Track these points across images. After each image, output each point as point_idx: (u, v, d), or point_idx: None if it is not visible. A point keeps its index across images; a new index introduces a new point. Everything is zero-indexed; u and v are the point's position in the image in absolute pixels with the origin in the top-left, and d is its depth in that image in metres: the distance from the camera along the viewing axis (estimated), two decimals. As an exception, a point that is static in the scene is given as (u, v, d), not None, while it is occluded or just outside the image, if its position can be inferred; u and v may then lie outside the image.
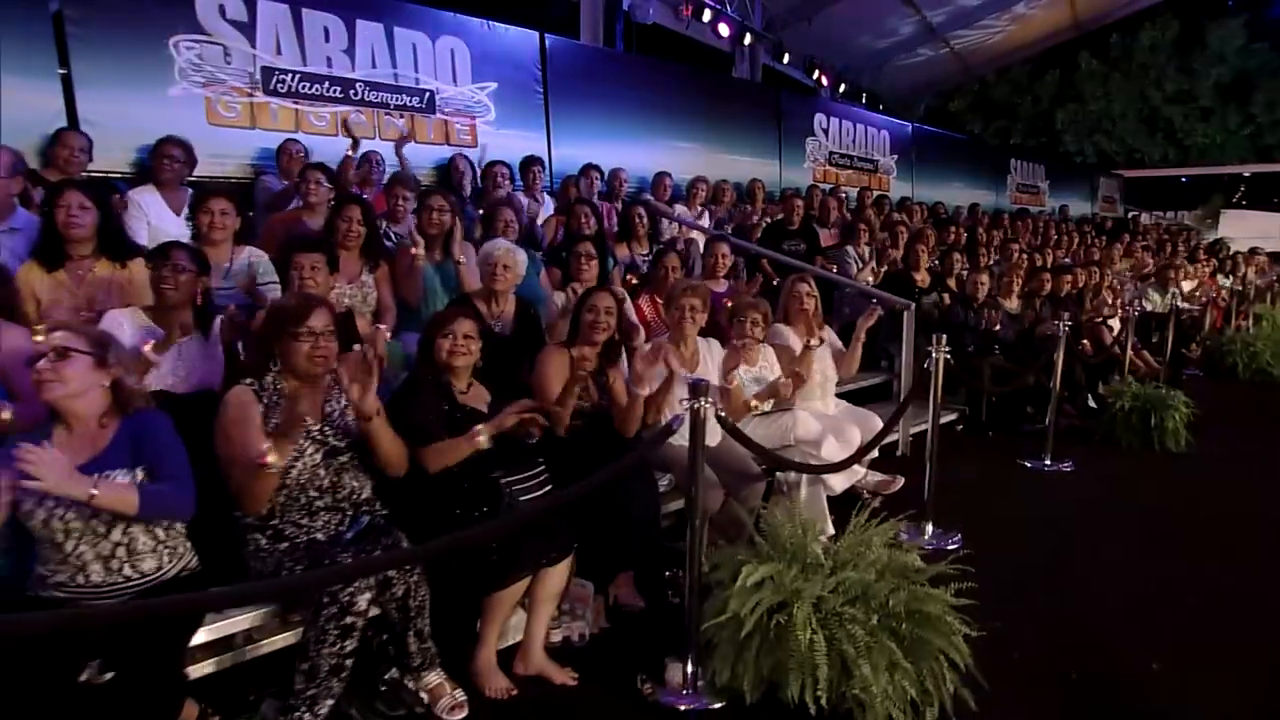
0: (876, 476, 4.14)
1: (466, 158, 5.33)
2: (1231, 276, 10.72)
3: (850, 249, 6.66)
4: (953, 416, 5.66)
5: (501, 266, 3.34)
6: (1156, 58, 24.41)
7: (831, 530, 3.48)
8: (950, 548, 3.64)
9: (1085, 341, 6.68)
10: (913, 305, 4.89)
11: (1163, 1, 19.41)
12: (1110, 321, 7.01)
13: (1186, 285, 8.90)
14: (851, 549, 2.41)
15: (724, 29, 10.48)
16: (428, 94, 5.66)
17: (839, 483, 3.61)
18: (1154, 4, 16.71)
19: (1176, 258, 10.07)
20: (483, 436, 2.45)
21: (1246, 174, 22.14)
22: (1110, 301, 7.07)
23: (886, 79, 14.69)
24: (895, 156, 11.09)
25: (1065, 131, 25.51)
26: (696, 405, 2.36)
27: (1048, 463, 4.97)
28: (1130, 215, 16.00)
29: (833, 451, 3.49)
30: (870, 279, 6.40)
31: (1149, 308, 7.78)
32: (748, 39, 10.94)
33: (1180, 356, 7.63)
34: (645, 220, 4.86)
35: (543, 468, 2.68)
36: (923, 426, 5.34)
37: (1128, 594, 3.23)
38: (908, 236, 6.83)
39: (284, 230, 3.73)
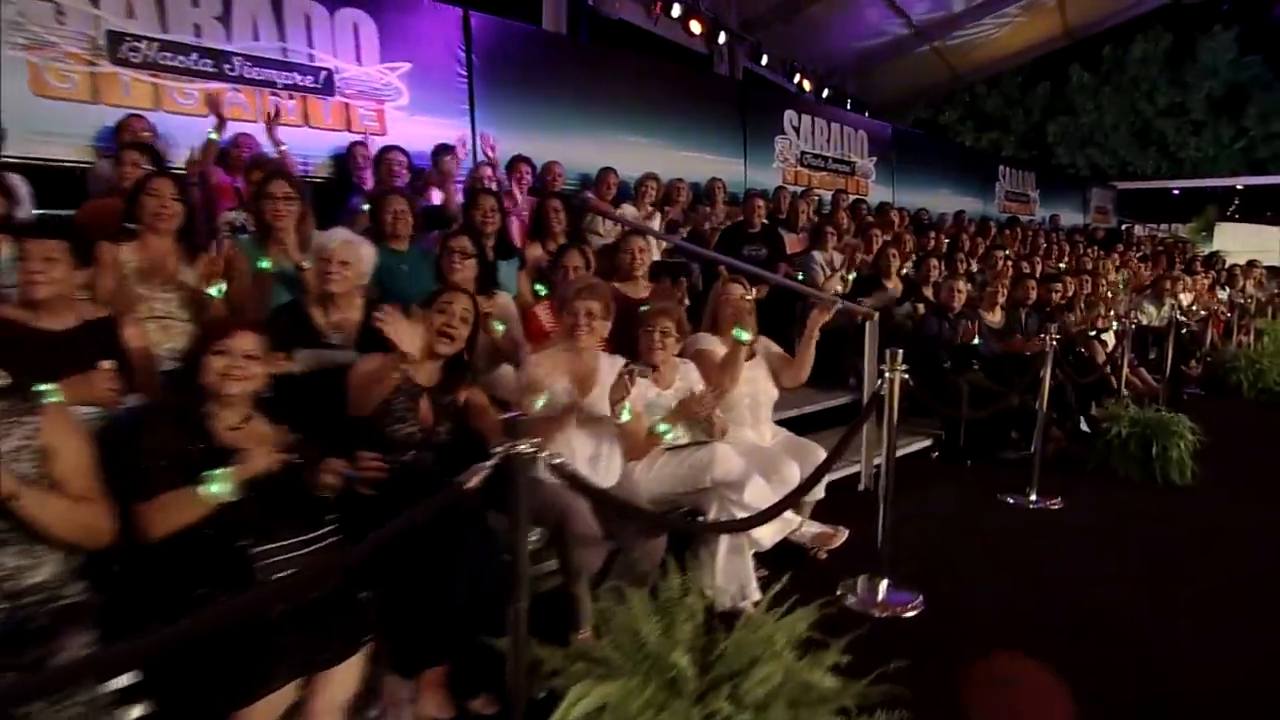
0: (815, 527, 3.33)
1: (367, 145, 4.58)
2: (1229, 290, 10.00)
3: (817, 255, 5.95)
4: (926, 443, 4.91)
5: (338, 262, 2.62)
6: (1148, 70, 23.88)
7: (757, 595, 2.74)
8: (908, 614, 2.90)
9: (1081, 349, 5.97)
10: (876, 315, 4.17)
11: (1153, 12, 18.89)
12: (1104, 336, 6.28)
13: (1185, 298, 8.18)
14: (741, 652, 1.67)
15: (695, 26, 9.82)
16: (324, 73, 4.94)
17: (767, 535, 2.85)
18: (1145, 13, 16.03)
19: (1174, 269, 9.37)
20: (216, 485, 1.72)
21: (1240, 186, 21.46)
22: (1104, 313, 6.35)
23: (874, 85, 14.04)
24: (874, 159, 10.29)
25: (1057, 144, 24.98)
26: (516, 448, 1.64)
27: (1033, 498, 4.23)
28: (1124, 226, 15.29)
29: (760, 495, 2.76)
30: (840, 288, 5.70)
31: (1145, 321, 7.06)
32: (722, 38, 10.29)
33: (1179, 374, 6.90)
34: (562, 216, 4.14)
35: (332, 528, 1.95)
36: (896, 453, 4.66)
37: (1130, 671, 2.50)
38: (880, 242, 6.12)
39: (97, 219, 3.01)
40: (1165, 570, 3.36)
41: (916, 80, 14.95)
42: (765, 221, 6.24)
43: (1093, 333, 6.04)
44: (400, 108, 5.29)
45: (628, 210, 5.93)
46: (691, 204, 6.59)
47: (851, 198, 8.72)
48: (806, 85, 11.70)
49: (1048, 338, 4.29)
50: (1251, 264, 11.35)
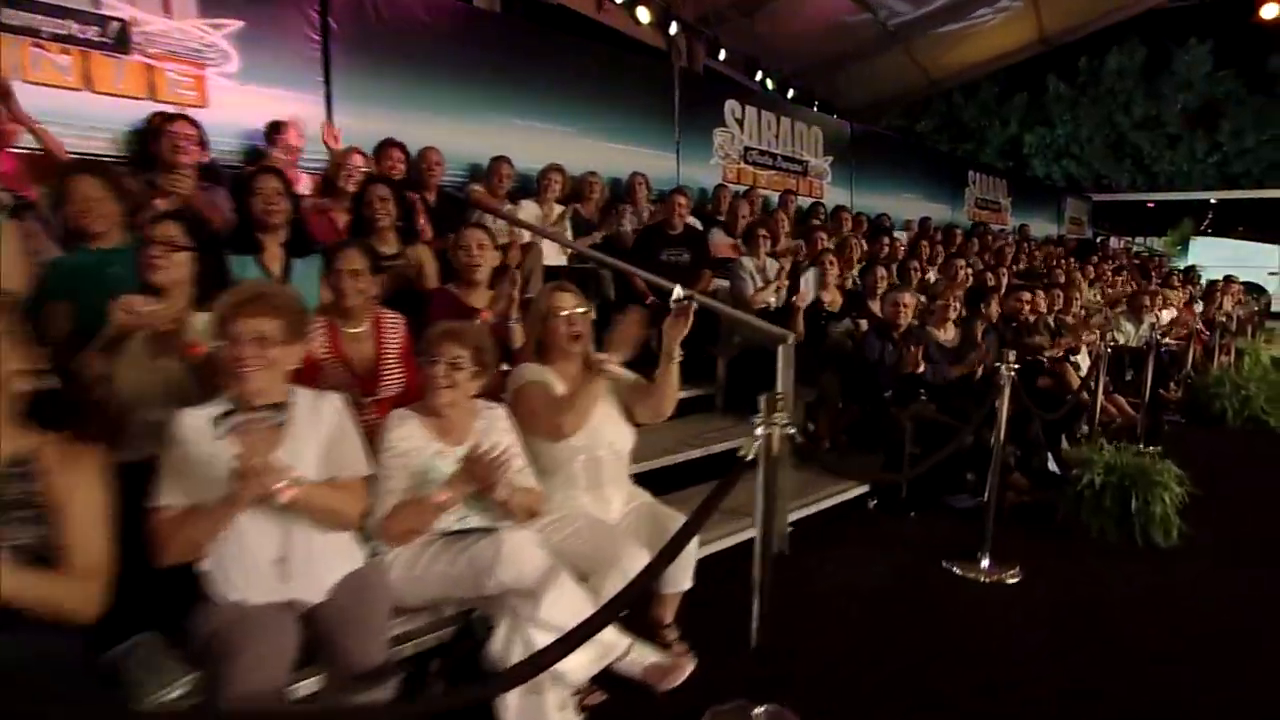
0: (649, 656, 2.29)
1: (190, 120, 3.59)
2: (1207, 306, 9.27)
3: (747, 261, 5.07)
4: (862, 490, 4.03)
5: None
6: (1124, 82, 23.42)
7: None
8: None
9: (1050, 375, 5.14)
10: (790, 337, 3.28)
11: (1129, 20, 18.33)
12: (1076, 358, 5.45)
13: (1165, 315, 7.41)
14: None
15: (644, 13, 8.96)
16: (115, 25, 3.96)
17: (577, 667, 1.93)
18: (1122, 21, 15.37)
19: (1150, 283, 8.61)
20: None
21: (1214, 200, 20.93)
22: (1079, 333, 5.52)
23: (842, 88, 13.23)
24: (830, 159, 9.30)
25: (1034, 156, 24.44)
26: None
27: (985, 566, 3.35)
28: (1099, 238, 14.60)
29: (567, 607, 1.85)
30: (772, 300, 4.82)
31: (1121, 340, 6.26)
32: (674, 28, 9.43)
33: (1158, 399, 6.09)
34: (392, 208, 3.22)
35: None
36: (821, 504, 3.79)
37: None
38: (821, 246, 5.27)
39: None
40: (1146, 673, 2.50)
41: (889, 84, 14.18)
42: (690, 222, 5.38)
43: (1062, 354, 5.20)
44: (227, 74, 4.30)
45: (527, 207, 5.03)
46: (610, 202, 5.70)
47: (798, 198, 7.87)
48: (769, 85, 10.87)
49: (1004, 363, 3.43)
50: (1229, 280, 10.65)
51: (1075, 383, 5.09)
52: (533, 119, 5.85)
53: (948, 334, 4.74)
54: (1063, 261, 8.60)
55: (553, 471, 2.27)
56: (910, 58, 13.28)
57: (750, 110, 8.22)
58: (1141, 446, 4.08)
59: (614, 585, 2.00)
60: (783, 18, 10.59)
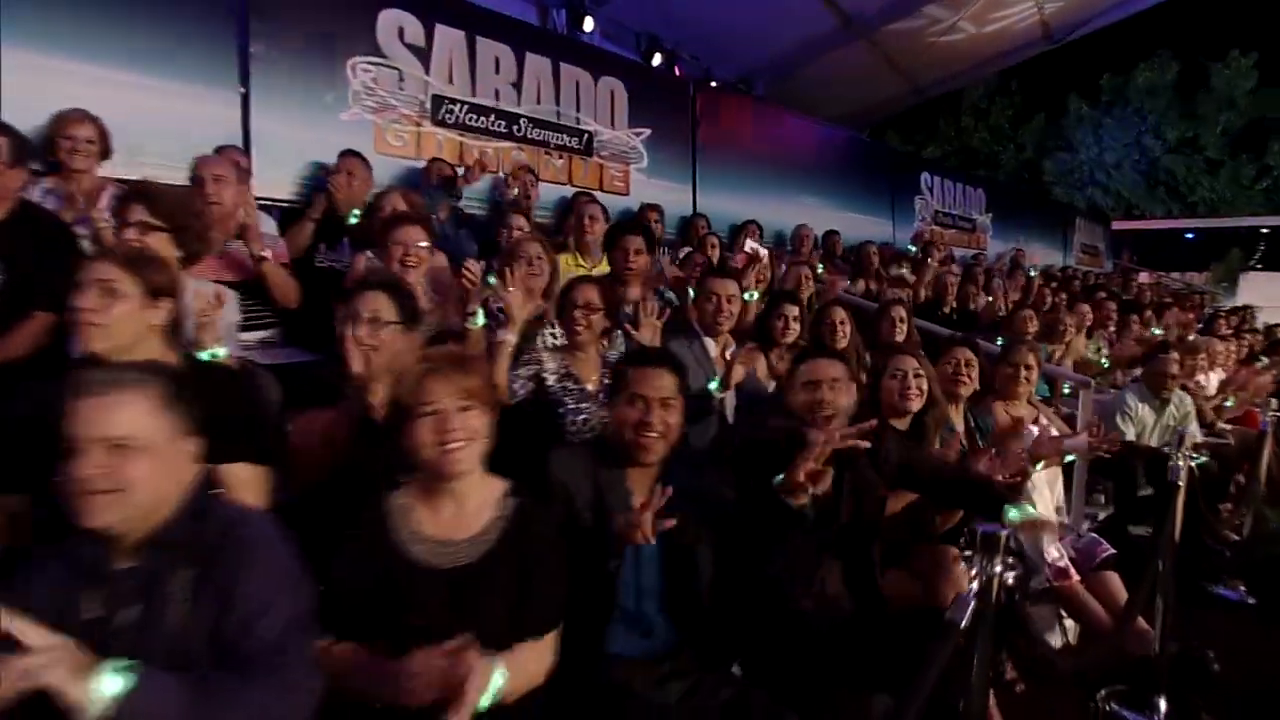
0: None
1: None
2: (1272, 360, 6.43)
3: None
4: None
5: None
6: (1155, 102, 20.58)
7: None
8: None
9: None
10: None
11: (1160, 36, 15.76)
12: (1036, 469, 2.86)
13: (1210, 379, 4.69)
14: None
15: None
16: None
17: None
18: (1132, 21, 12.52)
19: (1188, 330, 5.91)
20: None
21: (1265, 230, 17.61)
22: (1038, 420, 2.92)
23: (798, 93, 10.70)
24: (645, 133, 5.45)
25: (1055, 183, 21.62)
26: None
27: None
28: (1121, 267, 11.64)
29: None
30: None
31: (1130, 434, 3.60)
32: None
33: (1197, 539, 3.42)
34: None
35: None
36: None
37: None
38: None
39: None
40: None
41: (857, 90, 11.68)
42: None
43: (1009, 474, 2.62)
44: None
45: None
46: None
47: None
48: (678, 71, 8.41)
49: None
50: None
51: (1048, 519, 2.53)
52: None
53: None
54: (1055, 298, 5.93)
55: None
56: (879, 55, 10.87)
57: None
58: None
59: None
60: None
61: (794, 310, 2.85)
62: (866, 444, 1.74)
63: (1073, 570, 2.66)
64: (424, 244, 2.23)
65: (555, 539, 1.32)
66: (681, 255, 4.22)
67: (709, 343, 2.64)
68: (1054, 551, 2.63)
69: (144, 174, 2.86)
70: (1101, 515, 3.82)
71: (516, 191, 3.67)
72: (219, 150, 2.72)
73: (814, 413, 1.92)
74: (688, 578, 1.54)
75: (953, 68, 12.42)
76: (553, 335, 2.32)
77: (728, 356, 2.52)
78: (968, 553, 1.22)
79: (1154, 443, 3.64)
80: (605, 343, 2.30)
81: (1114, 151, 21.14)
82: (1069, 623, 2.78)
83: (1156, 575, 2.31)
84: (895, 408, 2.14)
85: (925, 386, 2.14)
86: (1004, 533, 1.22)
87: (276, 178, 3.21)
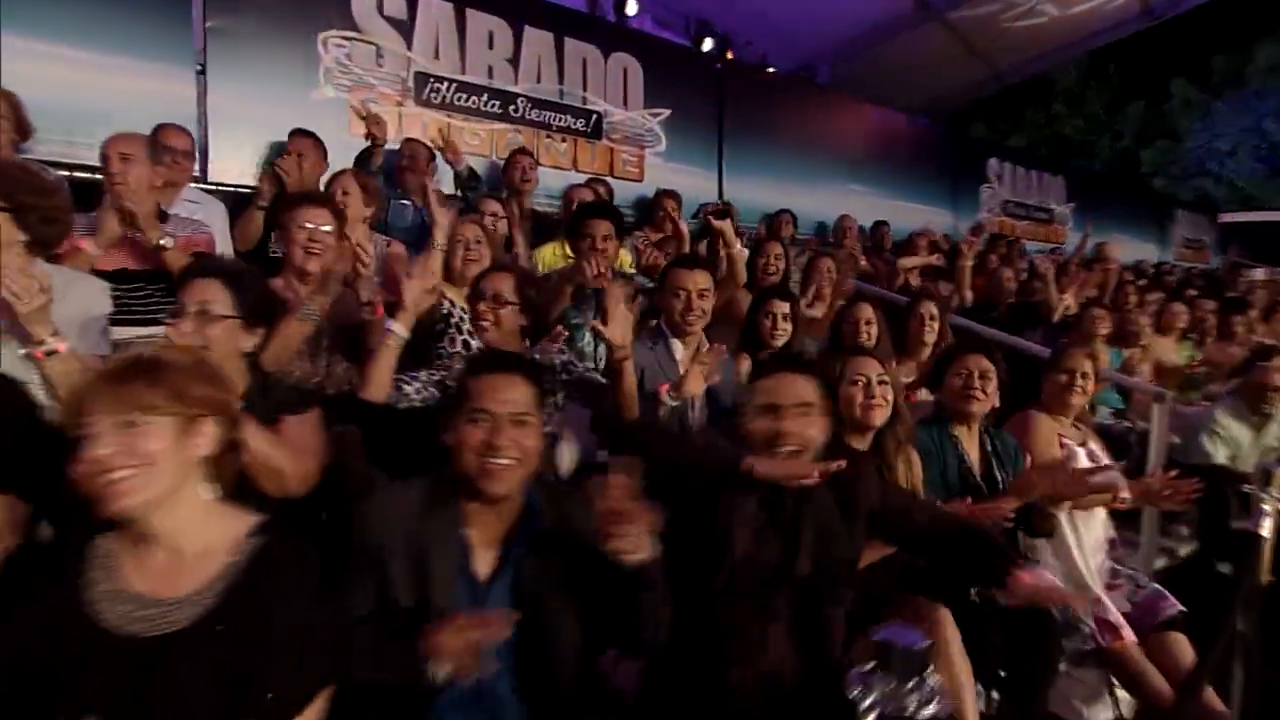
0: None
1: None
2: None
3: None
4: None
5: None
6: (1278, 81, 18.42)
7: None
8: None
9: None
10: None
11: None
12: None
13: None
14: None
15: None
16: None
17: None
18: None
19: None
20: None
21: None
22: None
23: (866, 79, 9.95)
24: (663, 114, 5.05)
25: (1155, 173, 19.72)
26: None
27: None
28: (1230, 262, 10.23)
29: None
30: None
31: (1220, 457, 2.94)
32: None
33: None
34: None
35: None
36: None
37: None
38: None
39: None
40: None
41: (930, 76, 10.80)
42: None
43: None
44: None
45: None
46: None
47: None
48: (730, 55, 7.91)
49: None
50: None
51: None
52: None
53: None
54: (1141, 296, 5.12)
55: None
56: (955, 38, 10.05)
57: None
58: None
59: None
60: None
61: (784, 307, 2.42)
62: (815, 481, 1.33)
63: (1127, 628, 2.14)
64: (328, 228, 1.95)
65: (314, 592, 0.98)
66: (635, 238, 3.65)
67: (676, 345, 2.25)
68: (1106, 604, 2.11)
69: (84, 157, 2.72)
70: (1184, 551, 3.25)
71: (465, 167, 3.34)
72: (162, 129, 2.54)
73: (773, 446, 1.49)
74: (544, 645, 1.18)
75: (1036, 49, 11.38)
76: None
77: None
78: (870, 666, 0.80)
79: (1251, 467, 3.00)
80: (527, 343, 1.96)
81: (1228, 138, 19.10)
82: (1121, 693, 2.24)
83: (1234, 638, 1.78)
84: (856, 421, 1.69)
85: (890, 396, 1.69)
86: (924, 645, 0.79)
87: (236, 161, 3.05)
